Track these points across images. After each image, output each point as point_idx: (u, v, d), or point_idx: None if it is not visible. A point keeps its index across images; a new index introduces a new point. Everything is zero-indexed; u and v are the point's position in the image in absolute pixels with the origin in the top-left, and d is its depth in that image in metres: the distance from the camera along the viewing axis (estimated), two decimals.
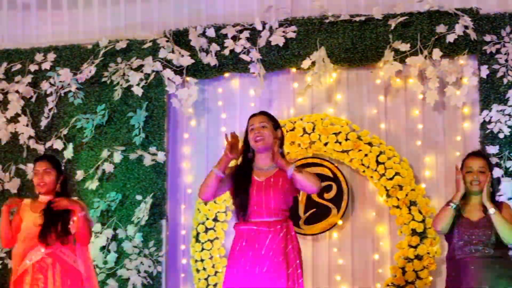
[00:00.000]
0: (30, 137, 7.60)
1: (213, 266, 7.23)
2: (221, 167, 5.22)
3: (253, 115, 5.44)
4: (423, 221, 6.84)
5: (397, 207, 6.89)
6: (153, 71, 7.41)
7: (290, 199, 5.34)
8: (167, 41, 7.46)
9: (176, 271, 7.52)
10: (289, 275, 5.14)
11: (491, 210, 5.26)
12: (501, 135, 6.64)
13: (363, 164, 7.02)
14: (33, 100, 7.71)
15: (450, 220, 5.40)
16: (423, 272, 6.78)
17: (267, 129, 5.31)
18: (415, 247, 6.82)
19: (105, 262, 7.28)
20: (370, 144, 7.01)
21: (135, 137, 7.39)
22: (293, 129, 7.13)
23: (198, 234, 7.30)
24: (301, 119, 7.22)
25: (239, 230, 5.33)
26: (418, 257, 6.80)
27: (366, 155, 7.00)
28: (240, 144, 5.39)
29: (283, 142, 5.51)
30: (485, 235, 5.35)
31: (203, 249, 7.28)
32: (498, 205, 5.42)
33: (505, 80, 6.73)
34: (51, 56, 7.69)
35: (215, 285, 7.18)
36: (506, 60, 6.71)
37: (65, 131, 7.56)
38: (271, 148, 5.27)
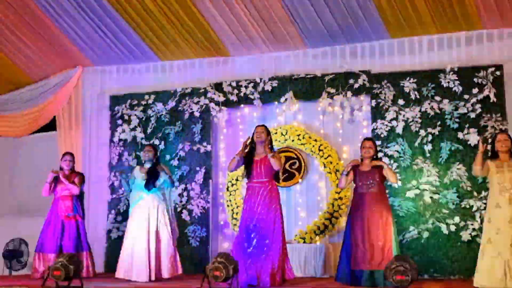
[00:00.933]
0: (141, 138, 7.89)
1: (236, 204, 7.43)
2: (239, 155, 5.62)
3: (258, 125, 5.77)
4: None
5: (329, 172, 7.19)
6: (204, 103, 7.67)
7: (273, 171, 5.59)
8: (212, 88, 7.66)
9: (217, 206, 7.65)
10: (271, 208, 5.50)
11: (384, 166, 5.50)
12: (382, 136, 6.94)
13: (312, 151, 7.28)
14: (143, 119, 7.92)
15: (349, 179, 5.63)
16: (343, 205, 7.07)
17: (263, 133, 5.64)
18: (339, 193, 7.12)
19: (181, 201, 7.55)
20: (315, 140, 7.27)
21: (195, 137, 7.68)
22: (276, 133, 7.32)
23: (228, 187, 7.54)
24: (280, 128, 7.44)
25: (248, 185, 5.67)
26: (340, 198, 7.12)
27: (313, 146, 7.25)
28: (249, 141, 5.67)
29: (271, 141, 5.67)
30: (371, 179, 5.52)
31: (230, 194, 7.52)
32: (381, 166, 5.57)
33: (384, 108, 6.99)
34: (152, 96, 7.90)
35: (236, 213, 7.27)
36: (384, 98, 6.98)
37: (159, 134, 7.81)
38: (264, 143, 5.59)
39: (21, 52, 7.78)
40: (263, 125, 5.80)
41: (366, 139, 5.86)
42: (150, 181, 6.14)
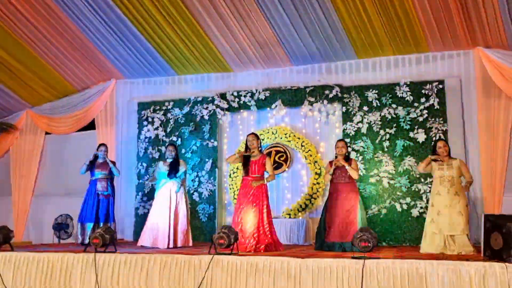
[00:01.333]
0: (162, 136, 7.85)
1: (236, 187, 7.31)
2: (236, 155, 5.53)
3: (248, 134, 5.61)
4: (320, 169, 7.10)
5: (309, 163, 7.19)
6: (212, 109, 7.66)
7: (264, 169, 5.45)
8: (218, 97, 7.64)
9: (222, 189, 7.63)
10: (259, 201, 5.34)
11: (347, 166, 5.43)
12: (350, 135, 6.87)
13: (296, 146, 7.27)
14: (164, 121, 7.87)
15: (330, 172, 5.51)
16: (320, 188, 7.09)
17: (254, 140, 5.50)
18: (317, 179, 7.13)
19: (193, 185, 7.55)
20: (299, 138, 7.28)
21: (205, 135, 7.65)
22: (268, 132, 7.35)
23: (230, 174, 7.55)
24: (271, 128, 7.43)
25: (244, 179, 5.49)
26: (318, 183, 7.11)
27: (297, 142, 7.26)
28: (244, 145, 5.62)
29: (260, 144, 5.58)
30: (344, 173, 5.49)
31: (232, 179, 7.53)
32: (351, 160, 5.56)
33: (352, 113, 6.98)
34: (171, 103, 7.88)
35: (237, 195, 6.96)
36: (352, 105, 6.99)
37: (177, 133, 7.77)
38: (255, 148, 5.48)
39: (67, 67, 7.80)
40: (252, 133, 5.67)
41: (339, 140, 5.80)
42: (172, 172, 6.13)
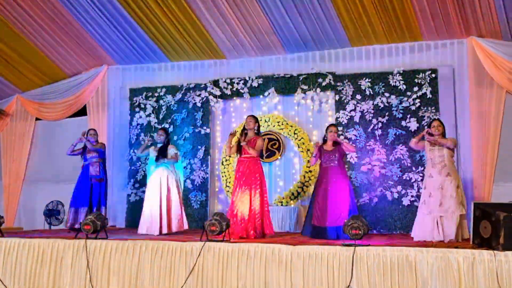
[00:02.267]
0: (155, 122, 7.79)
1: (228, 175, 7.39)
2: (228, 143, 5.64)
3: (248, 116, 5.71)
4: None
5: (302, 151, 7.18)
6: (205, 96, 7.61)
7: (259, 150, 5.56)
8: (210, 84, 7.59)
9: (214, 176, 7.63)
10: (253, 180, 5.42)
11: (343, 141, 5.51)
12: (343, 123, 6.91)
13: (289, 134, 7.27)
14: (156, 108, 7.80)
15: (314, 154, 5.60)
16: (312, 176, 7.03)
17: (251, 122, 5.60)
18: (309, 167, 7.04)
19: (186, 173, 7.49)
20: (291, 126, 7.27)
21: (197, 122, 7.61)
22: (261, 120, 7.15)
23: (222, 161, 7.50)
24: (264, 116, 7.39)
25: (239, 160, 5.59)
26: (310, 171, 7.07)
27: (290, 130, 7.25)
28: (242, 127, 5.73)
29: (259, 127, 5.69)
30: (333, 156, 5.53)
31: (224, 167, 7.49)
32: (340, 142, 5.59)
33: (345, 101, 6.96)
34: (163, 90, 7.79)
35: (229, 182, 7.26)
36: (345, 93, 6.95)
37: (169, 120, 7.72)
38: (252, 129, 5.58)
39: (58, 53, 7.74)
40: (252, 115, 5.74)
41: (331, 125, 5.84)
42: (160, 157, 6.09)
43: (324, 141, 5.63)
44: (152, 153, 6.23)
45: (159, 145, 6.21)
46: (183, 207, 6.28)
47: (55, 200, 7.46)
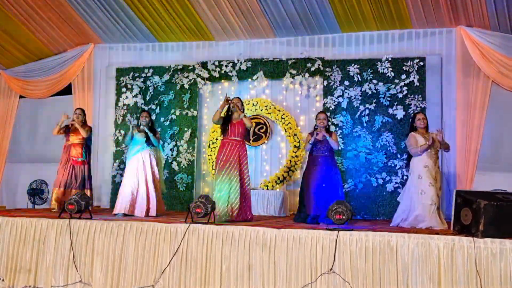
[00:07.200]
0: (141, 103, 7.72)
1: (215, 158, 6.60)
2: (221, 108, 5.46)
3: (234, 97, 5.63)
4: (299, 142, 7.15)
5: (289, 136, 7.21)
6: (193, 78, 7.57)
7: (245, 132, 5.47)
8: (199, 66, 7.56)
9: (200, 159, 7.62)
10: (241, 163, 5.37)
11: (328, 137, 5.46)
12: (331, 108, 6.91)
13: (276, 118, 7.28)
14: (143, 88, 7.73)
15: (310, 141, 5.50)
16: (298, 161, 7.15)
17: (238, 103, 5.53)
18: (296, 152, 7.17)
19: (172, 154, 7.49)
20: (279, 110, 7.28)
21: (184, 104, 7.55)
22: (248, 104, 7.27)
23: (209, 144, 7.52)
24: (252, 100, 7.40)
25: (225, 141, 5.45)
26: (297, 156, 7.16)
27: (277, 115, 7.26)
28: (226, 108, 5.52)
29: (244, 109, 5.59)
30: (324, 146, 5.52)
31: (211, 150, 7.48)
32: (331, 133, 5.60)
33: (333, 87, 6.97)
34: (151, 70, 7.72)
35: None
36: (333, 79, 6.97)
37: (156, 101, 7.67)
38: (238, 110, 5.49)
39: (44, 30, 7.60)
40: (237, 97, 5.71)
41: (321, 112, 5.80)
42: (149, 140, 5.98)
43: (315, 128, 5.59)
44: (137, 134, 6.05)
45: (142, 127, 6.02)
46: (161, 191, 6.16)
47: (39, 179, 7.42)
